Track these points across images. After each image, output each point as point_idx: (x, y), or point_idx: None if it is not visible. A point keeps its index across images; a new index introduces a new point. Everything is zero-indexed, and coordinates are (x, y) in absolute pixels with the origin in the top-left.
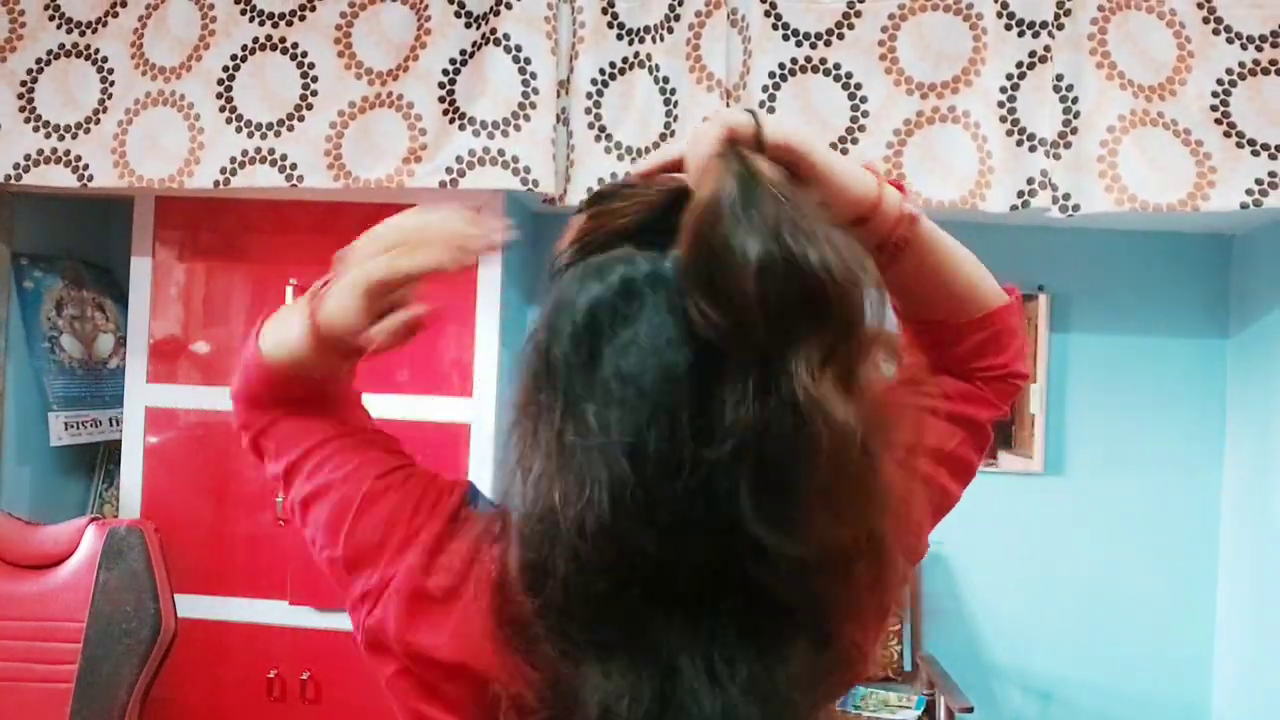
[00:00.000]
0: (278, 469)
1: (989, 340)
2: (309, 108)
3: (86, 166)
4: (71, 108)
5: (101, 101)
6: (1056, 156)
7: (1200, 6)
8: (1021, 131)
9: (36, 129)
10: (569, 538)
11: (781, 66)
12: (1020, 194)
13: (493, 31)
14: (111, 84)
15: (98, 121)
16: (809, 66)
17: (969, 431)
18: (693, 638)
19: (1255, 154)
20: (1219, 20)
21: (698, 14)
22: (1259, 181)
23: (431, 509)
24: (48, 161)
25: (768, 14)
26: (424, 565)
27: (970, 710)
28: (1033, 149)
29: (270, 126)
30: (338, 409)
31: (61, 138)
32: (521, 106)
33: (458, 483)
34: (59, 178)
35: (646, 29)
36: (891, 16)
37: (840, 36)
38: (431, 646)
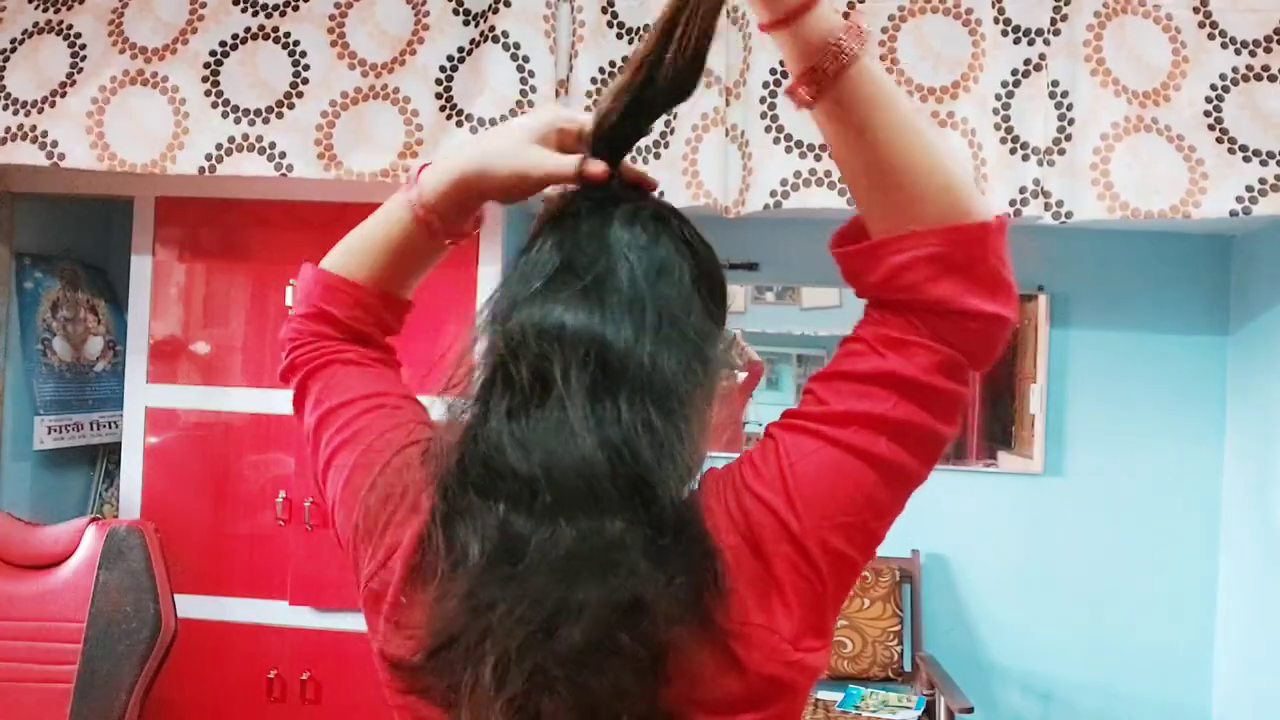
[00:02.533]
0: (313, 418)
1: (903, 271)
2: (299, 96)
3: (55, 144)
4: (40, 84)
5: (70, 75)
6: (1050, 164)
7: (1196, 10)
8: (1015, 139)
9: (6, 107)
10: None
11: (781, 64)
12: (1013, 203)
13: (491, 29)
14: (82, 59)
15: (63, 95)
16: None
17: (902, 393)
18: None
19: (1247, 160)
20: (1214, 25)
21: None
22: (1249, 188)
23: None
24: (14, 139)
25: None
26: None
27: (970, 710)
28: (1025, 157)
29: (259, 113)
30: (386, 370)
31: (28, 113)
32: (520, 105)
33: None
34: (27, 155)
35: (646, 27)
36: (891, 18)
37: None
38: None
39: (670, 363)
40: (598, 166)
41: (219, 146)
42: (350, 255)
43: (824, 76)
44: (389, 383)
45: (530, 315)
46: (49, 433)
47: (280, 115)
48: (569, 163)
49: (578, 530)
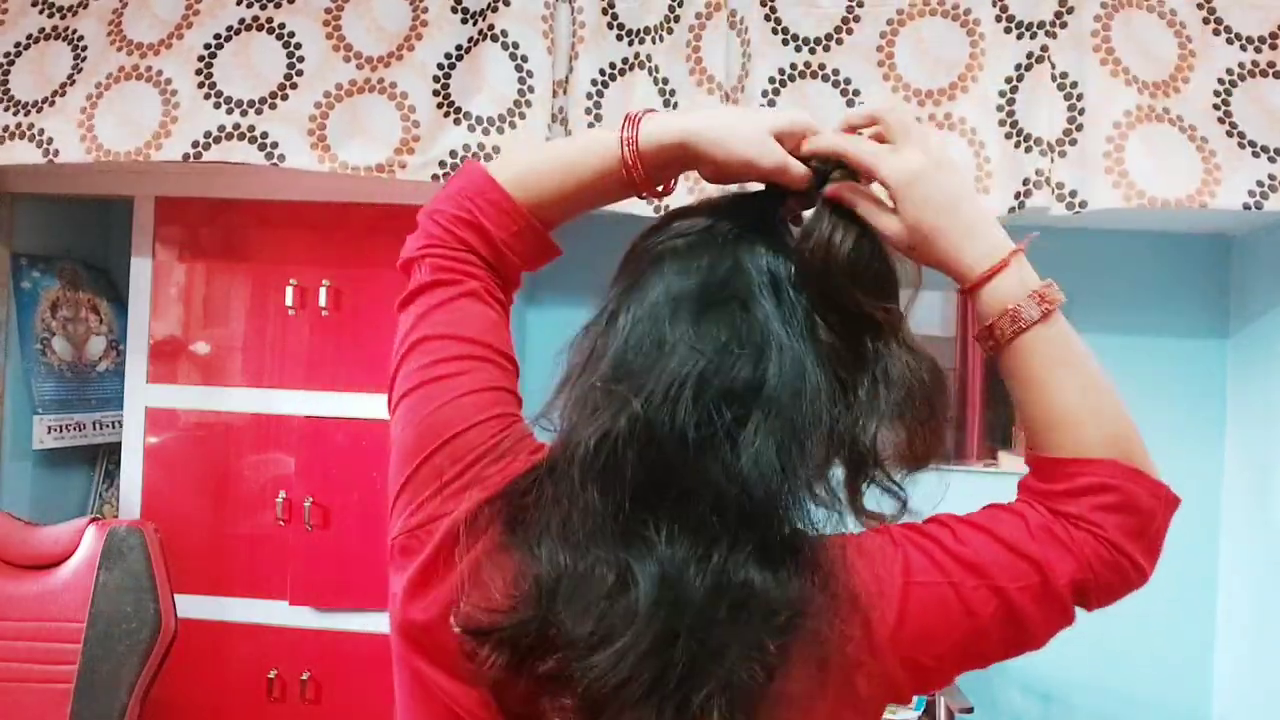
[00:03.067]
0: (416, 334)
1: (1086, 491)
2: (293, 87)
3: (50, 140)
4: (42, 85)
5: (70, 76)
6: (1062, 154)
7: (1200, 7)
8: (1020, 134)
9: (7, 108)
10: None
11: (781, 72)
12: (1016, 195)
13: (490, 28)
14: (83, 60)
15: (63, 94)
16: (808, 72)
17: (1037, 583)
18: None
19: (1256, 155)
20: (1219, 21)
21: (698, 15)
22: (1260, 184)
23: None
24: (12, 137)
25: (767, 18)
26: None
27: (970, 710)
28: (1028, 150)
29: (251, 103)
30: (501, 320)
31: (27, 113)
32: (517, 104)
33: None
34: (24, 153)
35: (646, 30)
36: (890, 22)
37: (839, 42)
38: (419, 615)
39: (814, 413)
40: (831, 189)
41: (207, 134)
42: (531, 173)
43: (1000, 337)
44: (497, 334)
45: (683, 364)
46: (49, 432)
47: (273, 106)
48: (802, 173)
49: (718, 580)
